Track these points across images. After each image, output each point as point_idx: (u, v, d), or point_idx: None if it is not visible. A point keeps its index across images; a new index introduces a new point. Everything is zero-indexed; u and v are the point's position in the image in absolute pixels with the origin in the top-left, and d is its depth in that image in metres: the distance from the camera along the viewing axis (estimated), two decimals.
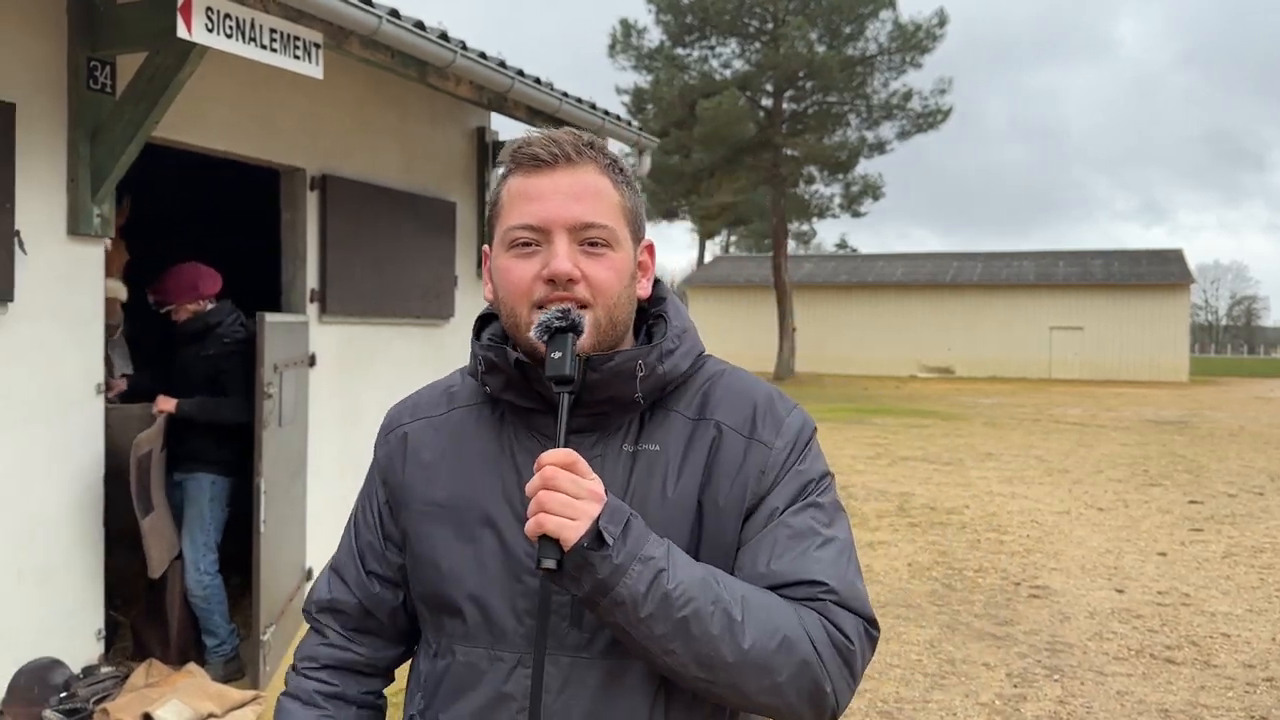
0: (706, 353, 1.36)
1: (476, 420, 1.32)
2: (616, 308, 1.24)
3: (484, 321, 1.37)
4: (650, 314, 1.35)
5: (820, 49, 30.27)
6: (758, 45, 31.82)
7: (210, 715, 3.98)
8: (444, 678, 1.27)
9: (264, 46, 3.97)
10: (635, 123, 6.61)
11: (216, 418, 4.76)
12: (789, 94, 31.51)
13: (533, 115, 5.93)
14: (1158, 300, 36.31)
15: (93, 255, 4.35)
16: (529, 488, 1.13)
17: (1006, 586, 6.75)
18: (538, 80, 5.61)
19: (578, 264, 1.21)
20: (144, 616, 4.90)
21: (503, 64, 5.34)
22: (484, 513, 1.25)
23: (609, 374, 1.22)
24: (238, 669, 4.75)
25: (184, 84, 4.11)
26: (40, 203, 4.08)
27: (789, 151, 31.31)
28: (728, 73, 31.43)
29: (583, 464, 1.14)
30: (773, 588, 1.19)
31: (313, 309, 5.59)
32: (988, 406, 22.80)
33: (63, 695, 4.04)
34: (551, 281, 1.21)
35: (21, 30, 4.02)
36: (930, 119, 30.98)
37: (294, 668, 1.41)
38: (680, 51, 32.34)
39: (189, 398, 4.75)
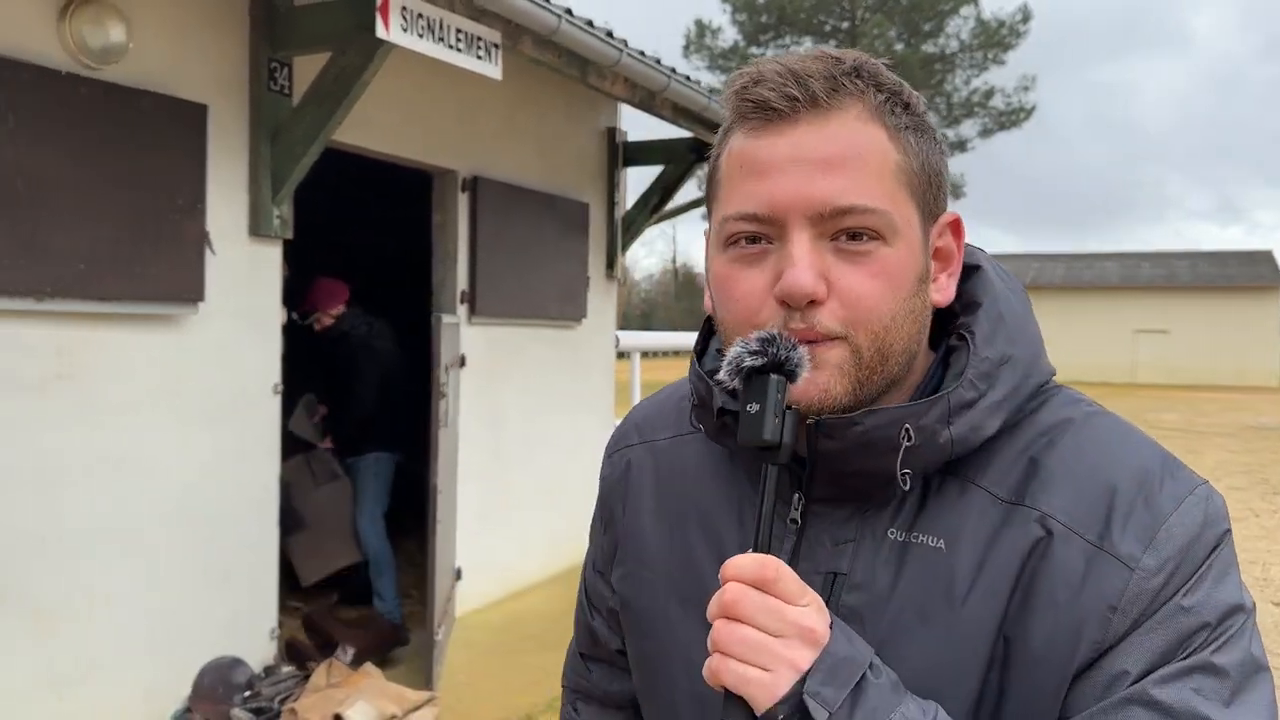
0: (1053, 383, 0.90)
1: (707, 458, 0.97)
2: (889, 334, 0.81)
3: (709, 336, 0.99)
4: (954, 328, 0.89)
5: (898, 47, 29.89)
6: (834, 43, 31.51)
7: (392, 716, 3.97)
8: None
9: (450, 46, 3.95)
10: None
11: (360, 414, 5.37)
12: None
13: (677, 114, 5.86)
14: (1246, 303, 35.22)
15: (272, 256, 4.38)
16: (710, 610, 0.76)
17: None
18: (687, 78, 5.54)
19: (827, 273, 0.80)
20: (319, 620, 4.94)
21: (658, 62, 5.28)
22: (700, 589, 0.89)
23: (855, 443, 0.81)
24: (399, 637, 5.03)
25: (367, 85, 4.11)
26: (224, 204, 4.12)
27: None
28: None
29: (787, 582, 0.74)
30: None
31: (462, 310, 5.58)
32: None
33: (246, 694, 4.06)
34: (785, 303, 0.80)
35: (209, 32, 4.06)
36: (1013, 117, 30.43)
37: None
38: (755, 51, 32.16)
39: (336, 396, 5.41)
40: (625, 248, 7.01)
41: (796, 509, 0.87)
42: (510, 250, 5.88)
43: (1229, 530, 0.82)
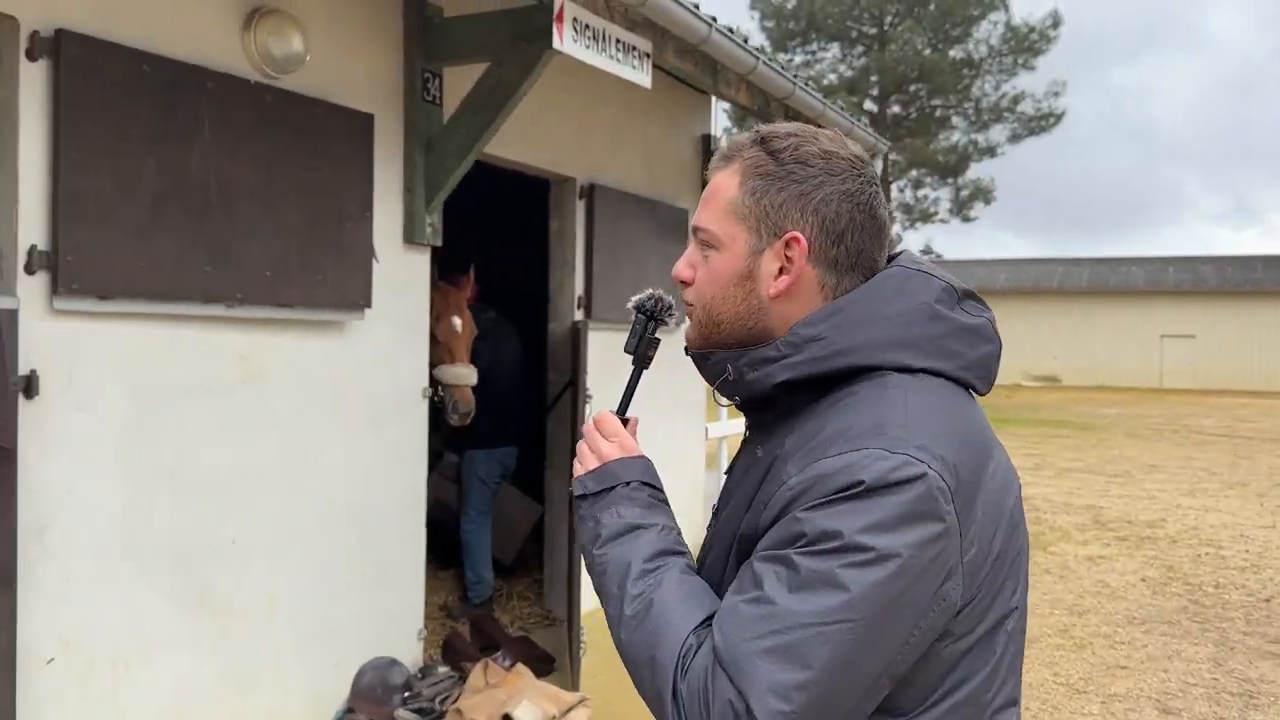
0: (889, 373, 1.15)
1: None
2: (714, 307, 1.26)
3: None
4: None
5: (927, 52, 29.90)
6: (861, 49, 31.54)
7: (552, 717, 4.02)
8: None
9: (610, 56, 4.01)
10: (877, 137, 6.55)
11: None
12: (895, 98, 31.17)
13: (789, 118, 5.91)
14: (1273, 307, 35.06)
15: (423, 263, 4.45)
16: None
17: (1257, 603, 6.52)
18: (806, 82, 5.59)
19: (694, 264, 1.29)
20: (485, 625, 5.02)
21: (784, 68, 5.34)
22: None
23: (707, 372, 1.30)
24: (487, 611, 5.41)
25: (524, 96, 4.17)
26: (384, 212, 4.18)
27: (894, 157, 30.94)
28: (833, 77, 31.19)
29: (608, 426, 1.35)
30: (707, 620, 1.13)
31: (578, 315, 5.64)
32: (1114, 417, 22.22)
33: (406, 695, 4.11)
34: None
35: (369, 43, 4.12)
36: (1042, 122, 30.40)
37: None
38: (782, 57, 32.20)
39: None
40: None
41: (620, 406, 1.43)
42: (621, 257, 5.93)
43: (864, 484, 1.04)
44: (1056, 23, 29.62)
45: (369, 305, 4.04)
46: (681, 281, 1.30)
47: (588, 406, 4.53)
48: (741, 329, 1.24)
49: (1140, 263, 38.93)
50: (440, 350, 4.94)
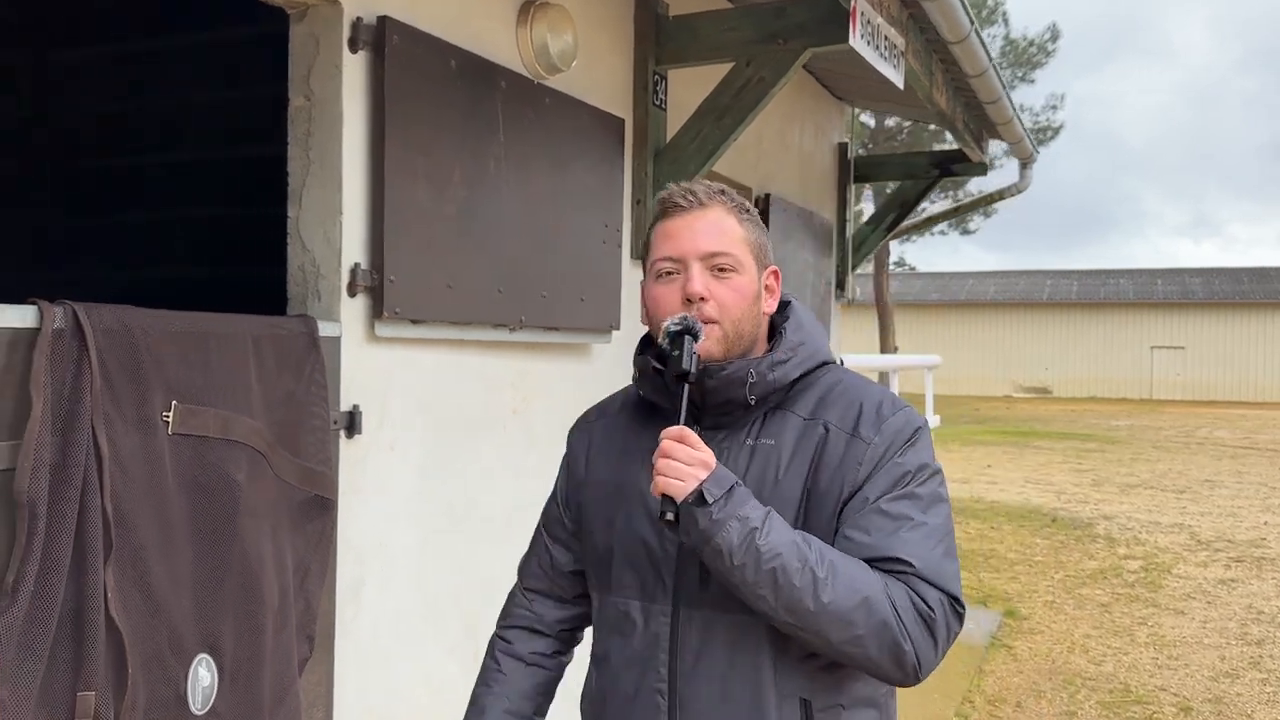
0: (836, 364, 1.57)
1: (638, 419, 1.61)
2: (741, 322, 1.49)
3: (647, 341, 1.61)
4: (780, 328, 1.56)
5: None
6: None
7: None
8: (609, 623, 1.56)
9: (880, 53, 3.71)
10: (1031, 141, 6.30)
11: None
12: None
13: (940, 119, 5.63)
14: (1262, 318, 35.47)
15: (638, 278, 4.10)
16: (654, 457, 1.38)
17: None
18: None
19: (708, 286, 1.47)
20: None
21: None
22: (637, 491, 1.52)
23: (723, 381, 1.47)
24: None
25: (773, 98, 3.86)
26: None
27: None
28: None
29: (693, 437, 1.39)
30: (865, 562, 1.38)
31: None
32: (1127, 429, 22.22)
33: None
34: (689, 300, 1.46)
35: (608, 41, 3.79)
36: (1040, 135, 30.47)
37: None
38: None
39: None
40: (855, 266, 6.76)
41: (682, 419, 1.43)
42: (787, 272, 5.62)
43: (921, 427, 1.48)
44: (1055, 36, 29.76)
45: (618, 328, 3.70)
46: (700, 299, 1.46)
47: None
48: (750, 340, 1.52)
49: (1129, 274, 39.27)
50: None
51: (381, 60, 2.59)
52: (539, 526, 1.77)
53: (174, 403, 1.94)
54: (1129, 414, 27.57)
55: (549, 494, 1.77)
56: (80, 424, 1.74)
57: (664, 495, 1.37)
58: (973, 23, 4.00)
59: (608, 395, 1.78)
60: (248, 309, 2.27)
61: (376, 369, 2.67)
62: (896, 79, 3.90)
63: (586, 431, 1.72)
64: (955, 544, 1.45)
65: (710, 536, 1.34)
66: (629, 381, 1.67)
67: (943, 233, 32.81)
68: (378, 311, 2.61)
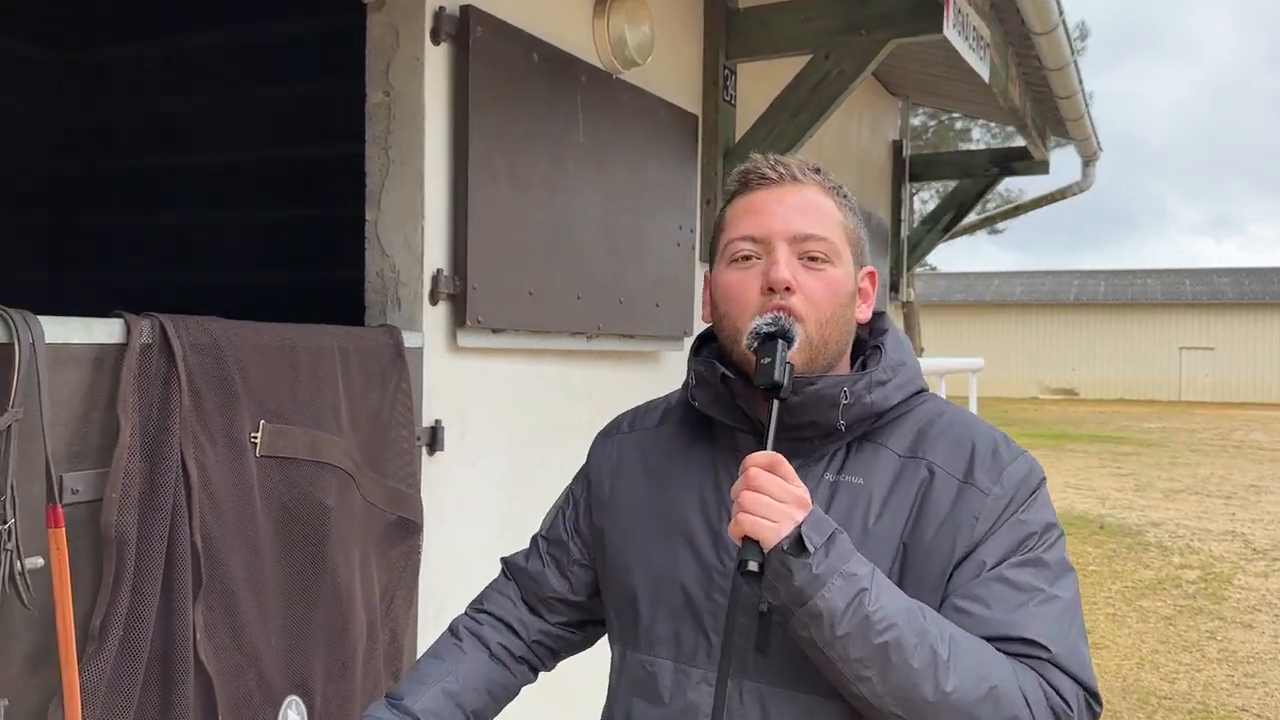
0: (929, 391, 1.30)
1: (686, 435, 1.32)
2: (829, 325, 1.20)
3: (703, 340, 1.35)
4: (869, 344, 1.30)
5: None
6: None
7: None
8: (632, 680, 1.28)
9: (970, 45, 3.53)
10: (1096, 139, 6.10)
11: None
12: (918, 109, 30.89)
13: (1009, 116, 5.43)
14: None
15: (699, 283, 3.94)
16: (734, 489, 1.11)
17: None
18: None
19: (796, 275, 1.19)
20: None
21: None
22: (681, 525, 1.25)
23: (811, 397, 1.18)
24: None
25: (853, 92, 3.68)
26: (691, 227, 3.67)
27: None
28: None
29: (787, 467, 1.11)
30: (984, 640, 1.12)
31: None
32: (1160, 431, 21.89)
33: None
34: (770, 291, 1.19)
35: (680, 34, 3.62)
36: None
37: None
38: None
39: None
40: (910, 267, 6.58)
41: (771, 443, 1.15)
42: None
43: (1045, 479, 1.23)
44: (1084, 34, 29.38)
45: (691, 334, 3.53)
46: (787, 289, 1.18)
47: None
48: (838, 352, 1.24)
49: (1157, 275, 38.82)
50: None
51: (465, 53, 2.43)
52: (538, 536, 1.46)
53: (262, 422, 1.78)
54: (1159, 416, 27.20)
55: (555, 502, 1.47)
56: (169, 449, 1.58)
57: (746, 539, 1.08)
58: (1061, 13, 3.82)
59: (644, 402, 1.47)
60: (311, 317, 2.12)
61: (458, 381, 2.51)
62: (983, 71, 3.72)
63: (615, 443, 1.41)
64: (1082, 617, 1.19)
65: (807, 596, 1.05)
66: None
67: (968, 233, 32.51)
68: (459, 320, 2.45)
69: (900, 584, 1.14)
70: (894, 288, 6.51)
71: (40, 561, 1.39)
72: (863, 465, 1.21)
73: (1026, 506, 1.17)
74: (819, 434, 1.20)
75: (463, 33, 2.43)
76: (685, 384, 1.32)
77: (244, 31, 3.95)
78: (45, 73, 4.35)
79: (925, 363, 7.49)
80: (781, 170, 1.25)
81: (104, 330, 1.53)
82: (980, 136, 27.52)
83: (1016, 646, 1.11)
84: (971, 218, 6.86)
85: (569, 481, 1.47)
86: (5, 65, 4.18)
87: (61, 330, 1.47)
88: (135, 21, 4.18)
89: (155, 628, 1.56)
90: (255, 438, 1.77)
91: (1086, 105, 5.27)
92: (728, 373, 1.21)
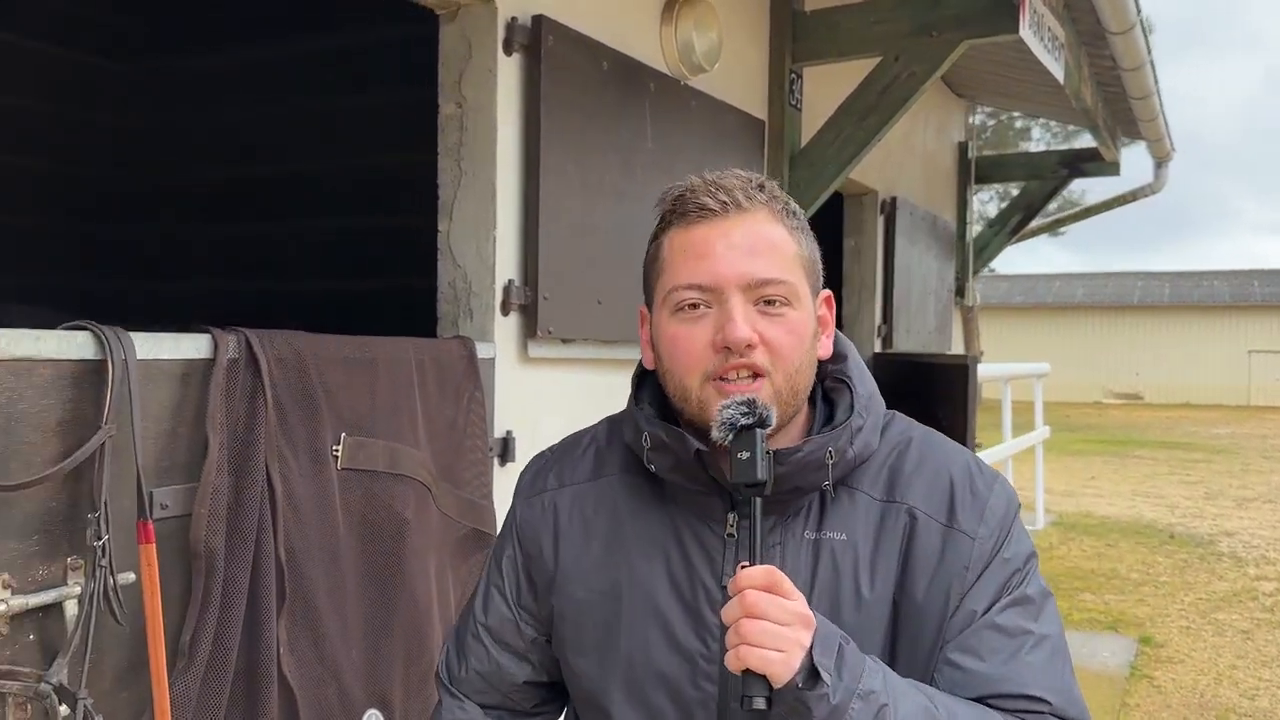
0: (886, 410, 1.18)
1: (634, 494, 1.16)
2: (797, 375, 1.08)
3: (640, 378, 1.20)
4: (828, 374, 1.16)
5: None
6: None
7: None
8: None
9: (1046, 47, 3.45)
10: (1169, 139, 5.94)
11: None
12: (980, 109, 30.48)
13: (1078, 115, 5.31)
14: None
15: None
16: (725, 614, 0.98)
17: None
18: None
19: (755, 326, 1.05)
20: None
21: None
22: (648, 603, 1.11)
23: (796, 466, 1.06)
24: None
25: (922, 95, 3.62)
26: None
27: None
28: None
29: (786, 584, 0.98)
30: (982, 698, 1.06)
31: (877, 345, 5.06)
32: (1229, 437, 21.30)
33: None
34: (726, 349, 1.05)
35: (745, 39, 3.59)
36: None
37: None
38: None
39: None
40: (976, 272, 6.46)
41: (731, 526, 1.10)
42: (912, 279, 5.36)
43: (1020, 505, 1.15)
44: (1150, 30, 28.75)
45: None
46: (748, 346, 1.04)
47: None
48: (802, 399, 1.12)
49: (1223, 276, 37.83)
50: None
51: (537, 62, 2.42)
52: (472, 622, 1.25)
53: (343, 435, 1.79)
54: (1228, 421, 26.51)
55: (482, 577, 1.27)
56: (254, 463, 1.59)
57: (747, 672, 0.95)
58: (1139, 12, 3.72)
59: (558, 443, 1.28)
60: (383, 325, 2.12)
61: (528, 392, 2.50)
62: (1058, 72, 3.64)
63: (545, 503, 1.21)
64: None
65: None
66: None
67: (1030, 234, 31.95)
68: (530, 331, 2.45)
69: (894, 644, 1.08)
70: (959, 292, 6.40)
71: (131, 577, 1.40)
72: (842, 517, 1.10)
73: (1008, 543, 1.11)
74: (798, 494, 1.09)
75: (534, 42, 2.42)
76: (631, 437, 1.15)
77: (314, 42, 4.00)
78: (119, 85, 4.45)
79: (988, 368, 7.37)
80: (725, 198, 1.08)
81: (192, 345, 1.54)
82: (1040, 136, 27.03)
83: (1018, 703, 1.06)
84: (1039, 220, 6.72)
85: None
86: (81, 79, 4.27)
87: (151, 346, 1.48)
88: (206, 34, 4.25)
89: (240, 641, 1.56)
90: (337, 450, 1.78)
91: (1161, 104, 5.13)
92: (702, 448, 1.07)
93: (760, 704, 0.94)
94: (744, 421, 1.01)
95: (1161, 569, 8.27)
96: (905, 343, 5.25)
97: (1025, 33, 3.20)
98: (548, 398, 2.59)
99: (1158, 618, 6.77)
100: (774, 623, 0.94)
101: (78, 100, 4.33)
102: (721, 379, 1.05)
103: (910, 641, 1.08)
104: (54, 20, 4.23)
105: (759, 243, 1.07)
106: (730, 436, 1.01)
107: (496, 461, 2.39)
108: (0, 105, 4.11)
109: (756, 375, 1.05)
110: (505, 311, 2.42)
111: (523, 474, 1.26)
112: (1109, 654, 5.74)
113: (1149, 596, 7.40)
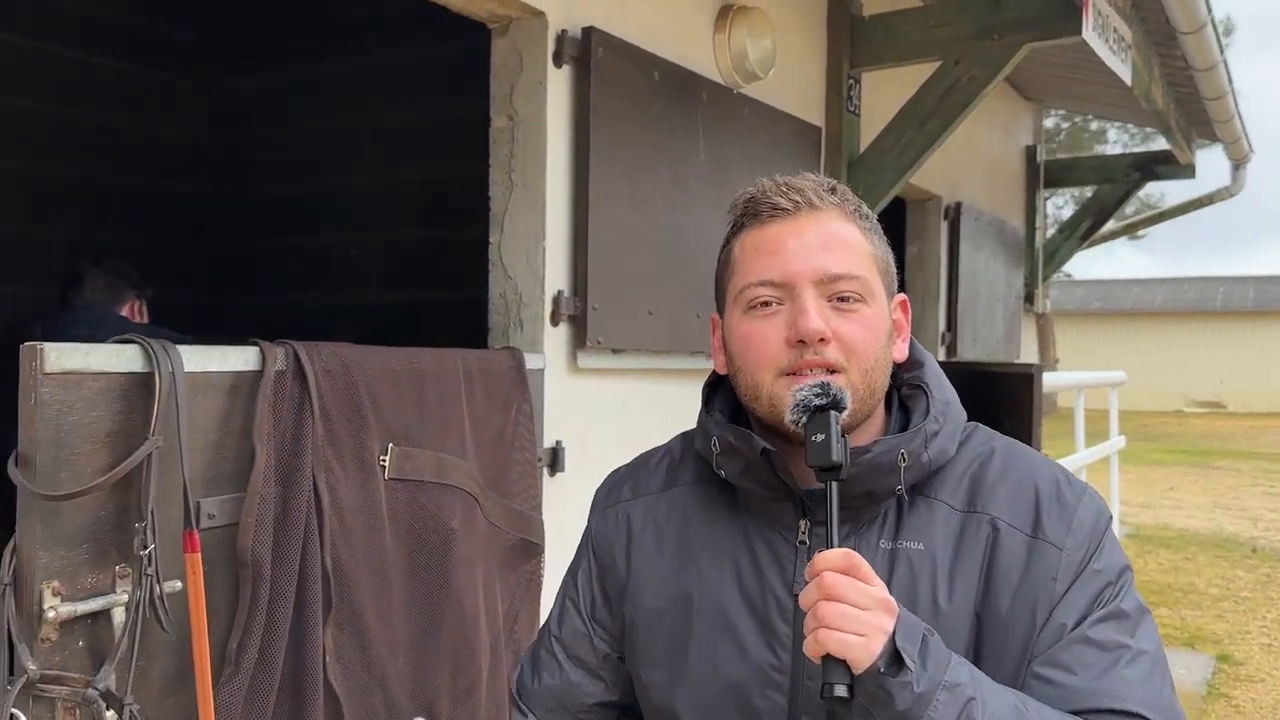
0: (968, 421, 1.15)
1: (704, 502, 1.15)
2: (873, 373, 1.06)
3: (712, 388, 1.19)
4: (904, 381, 1.14)
5: None
6: None
7: None
8: None
9: (1111, 48, 3.36)
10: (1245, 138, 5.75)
11: None
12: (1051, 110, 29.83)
13: (1147, 119, 5.16)
14: None
15: None
16: (803, 599, 0.94)
17: None
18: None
19: (828, 322, 1.03)
20: None
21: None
22: (718, 613, 1.09)
23: (866, 467, 1.03)
24: None
25: (984, 99, 3.55)
26: None
27: None
28: None
29: (865, 567, 0.94)
30: (1078, 713, 0.99)
31: (940, 354, 4.97)
32: None
33: None
34: (800, 344, 1.03)
35: (801, 45, 3.56)
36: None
37: None
38: None
39: None
40: (1046, 278, 6.32)
41: (804, 533, 1.07)
42: (979, 285, 5.26)
43: (1111, 517, 1.10)
44: (1229, 29, 27.89)
45: None
46: (820, 341, 1.03)
47: None
48: (878, 399, 1.10)
49: None
50: None
51: (587, 74, 2.43)
52: (547, 636, 1.24)
53: (390, 445, 1.80)
54: None
55: (559, 592, 1.26)
56: (301, 473, 1.61)
57: (827, 658, 0.91)
58: (1210, 11, 3.60)
59: (633, 459, 1.28)
60: (435, 335, 2.14)
61: (578, 402, 2.50)
62: (1124, 74, 3.54)
63: (619, 514, 1.21)
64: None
65: (912, 711, 0.91)
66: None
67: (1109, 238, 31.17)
68: (580, 341, 2.45)
69: (977, 661, 1.02)
70: (1028, 299, 6.26)
71: (178, 585, 1.43)
72: (919, 526, 1.07)
73: (1099, 555, 1.06)
74: (872, 501, 1.06)
75: (584, 54, 2.43)
76: (701, 444, 1.14)
77: (372, 57, 4.07)
78: (186, 100, 4.57)
79: (1063, 376, 7.19)
80: (796, 198, 1.07)
81: (240, 358, 1.58)
82: (1117, 138, 26.32)
83: (1116, 719, 1.00)
84: (1111, 225, 6.55)
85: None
86: (148, 94, 4.40)
87: (199, 359, 1.51)
88: (270, 50, 4.35)
89: (286, 650, 1.58)
90: (384, 460, 1.80)
91: (1236, 105, 4.96)
92: (769, 447, 1.05)
93: (841, 690, 0.89)
94: (818, 403, 0.99)
95: (1242, 584, 7.99)
96: (971, 351, 5.15)
97: (1089, 34, 3.12)
98: (598, 408, 2.59)
99: (1237, 635, 6.53)
100: (855, 606, 0.91)
101: (158, 117, 4.45)
102: (794, 374, 1.03)
103: (995, 656, 1.03)
104: (134, 39, 4.36)
105: (831, 239, 1.06)
106: (804, 419, 0.99)
107: (546, 472, 2.39)
108: (94, 123, 4.24)
109: (832, 372, 1.02)
110: (555, 322, 2.42)
111: (598, 489, 1.27)
112: (1185, 671, 5.55)
113: (1228, 613, 7.15)
